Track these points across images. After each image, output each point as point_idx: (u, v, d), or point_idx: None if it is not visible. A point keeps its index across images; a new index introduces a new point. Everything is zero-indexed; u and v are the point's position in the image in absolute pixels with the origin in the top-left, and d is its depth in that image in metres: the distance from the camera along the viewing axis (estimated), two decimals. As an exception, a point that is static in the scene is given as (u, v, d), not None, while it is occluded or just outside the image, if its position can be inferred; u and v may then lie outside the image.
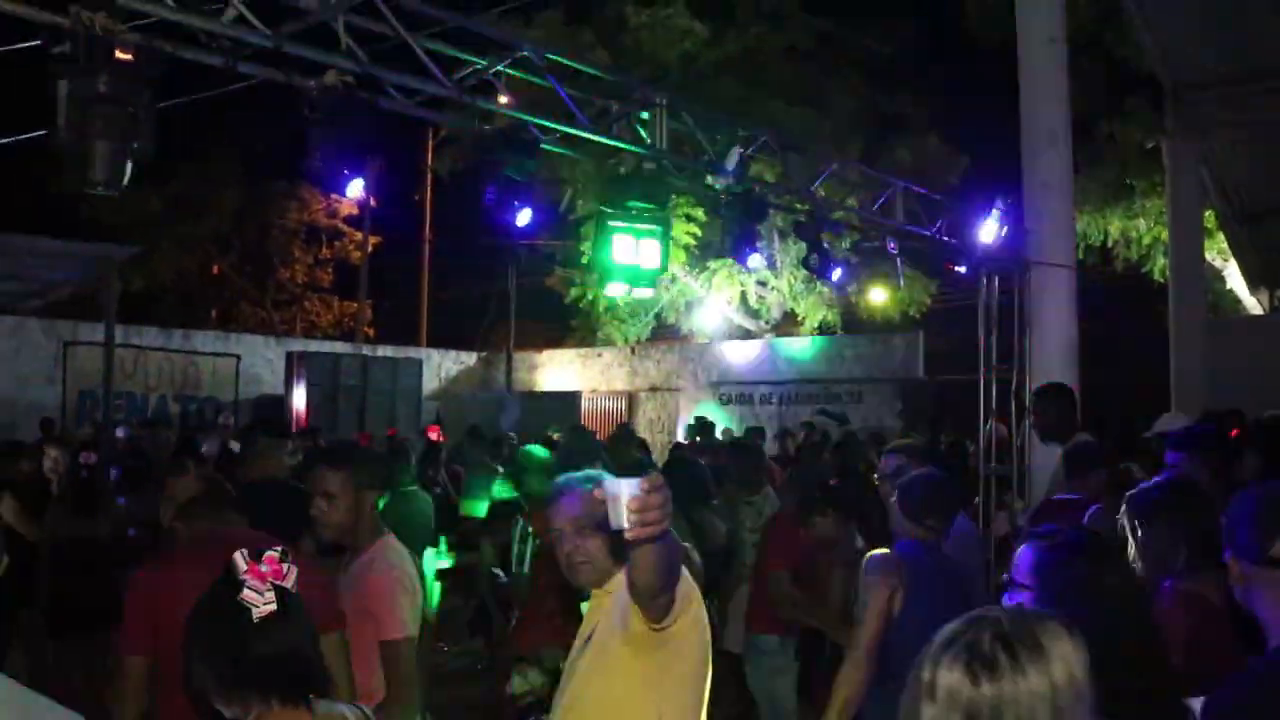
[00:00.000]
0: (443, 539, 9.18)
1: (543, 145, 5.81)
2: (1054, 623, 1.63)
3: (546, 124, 5.64)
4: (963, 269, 8.20)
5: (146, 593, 3.30)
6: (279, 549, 2.35)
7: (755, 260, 7.50)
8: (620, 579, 2.83)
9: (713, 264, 20.33)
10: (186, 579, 3.16)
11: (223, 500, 3.74)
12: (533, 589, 5.78)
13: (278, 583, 2.30)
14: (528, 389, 23.39)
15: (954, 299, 17.43)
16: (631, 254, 6.43)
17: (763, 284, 20.79)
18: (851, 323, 21.47)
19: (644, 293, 7.00)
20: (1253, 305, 16.46)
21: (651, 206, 6.37)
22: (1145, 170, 16.56)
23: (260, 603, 2.26)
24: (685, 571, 2.78)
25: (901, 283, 7.89)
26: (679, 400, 20.79)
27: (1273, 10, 10.44)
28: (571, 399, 20.75)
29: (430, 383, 22.94)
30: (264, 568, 2.30)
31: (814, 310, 20.67)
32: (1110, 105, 16.91)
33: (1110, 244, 18.55)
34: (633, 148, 6.06)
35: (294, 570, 2.35)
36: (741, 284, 20.74)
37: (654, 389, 21.49)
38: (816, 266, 7.89)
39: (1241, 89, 11.73)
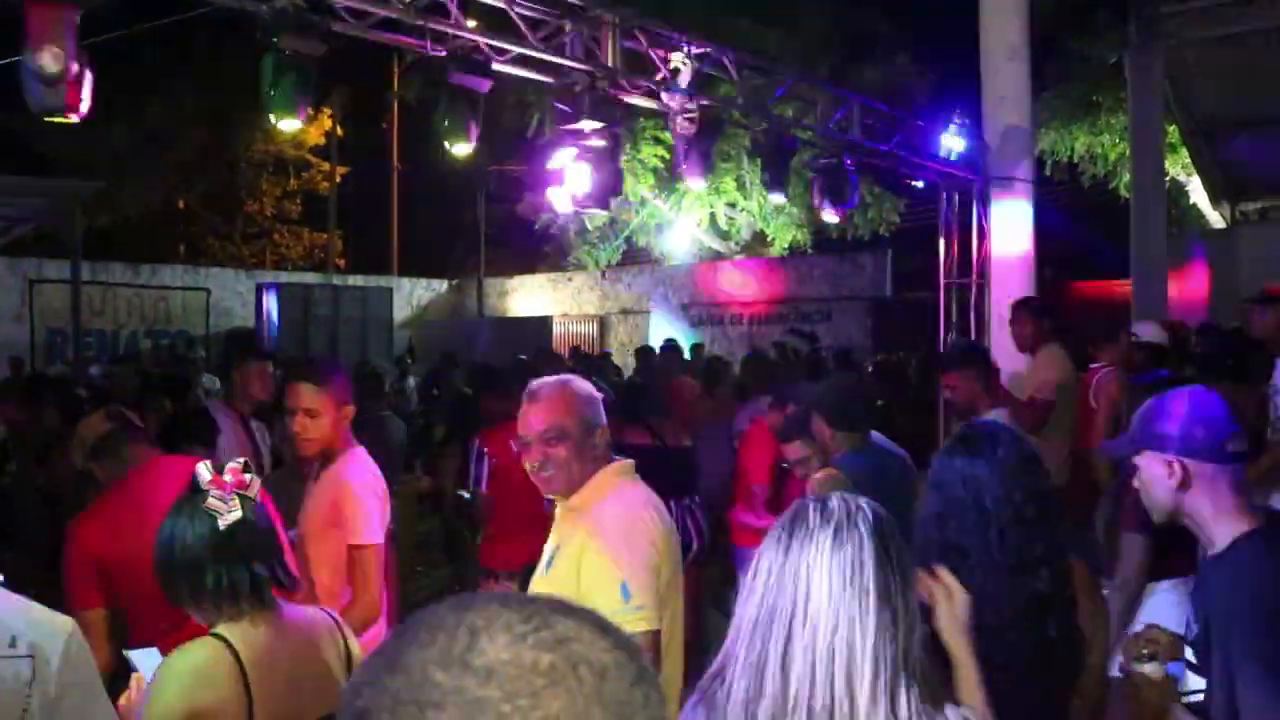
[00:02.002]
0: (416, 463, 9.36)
1: (496, 67, 5.83)
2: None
3: (498, 44, 5.64)
4: (920, 184, 8.28)
5: (83, 544, 3.35)
6: (241, 460, 2.44)
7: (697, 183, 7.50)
8: (587, 493, 2.93)
9: (682, 186, 20.30)
10: (126, 520, 3.23)
11: (134, 435, 3.70)
12: (494, 506, 5.93)
13: (242, 491, 2.39)
14: (499, 315, 23.45)
15: (923, 218, 17.53)
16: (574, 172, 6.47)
17: (732, 205, 20.80)
18: (821, 243, 21.53)
19: (595, 211, 7.04)
20: (1216, 219, 16.60)
21: (602, 125, 6.39)
22: (1111, 86, 16.53)
23: (225, 510, 2.35)
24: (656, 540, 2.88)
25: (855, 201, 7.90)
26: (650, 322, 20.90)
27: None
28: (543, 323, 20.84)
29: (402, 311, 22.97)
30: (227, 478, 2.40)
31: (783, 231, 20.70)
32: (1079, 21, 16.86)
33: (1077, 160, 18.60)
34: (584, 67, 6.08)
35: (256, 480, 2.44)
36: (711, 206, 20.74)
37: (625, 312, 21.59)
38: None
39: (1203, 3, 11.75)
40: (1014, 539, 2.63)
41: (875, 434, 4.46)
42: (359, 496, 3.67)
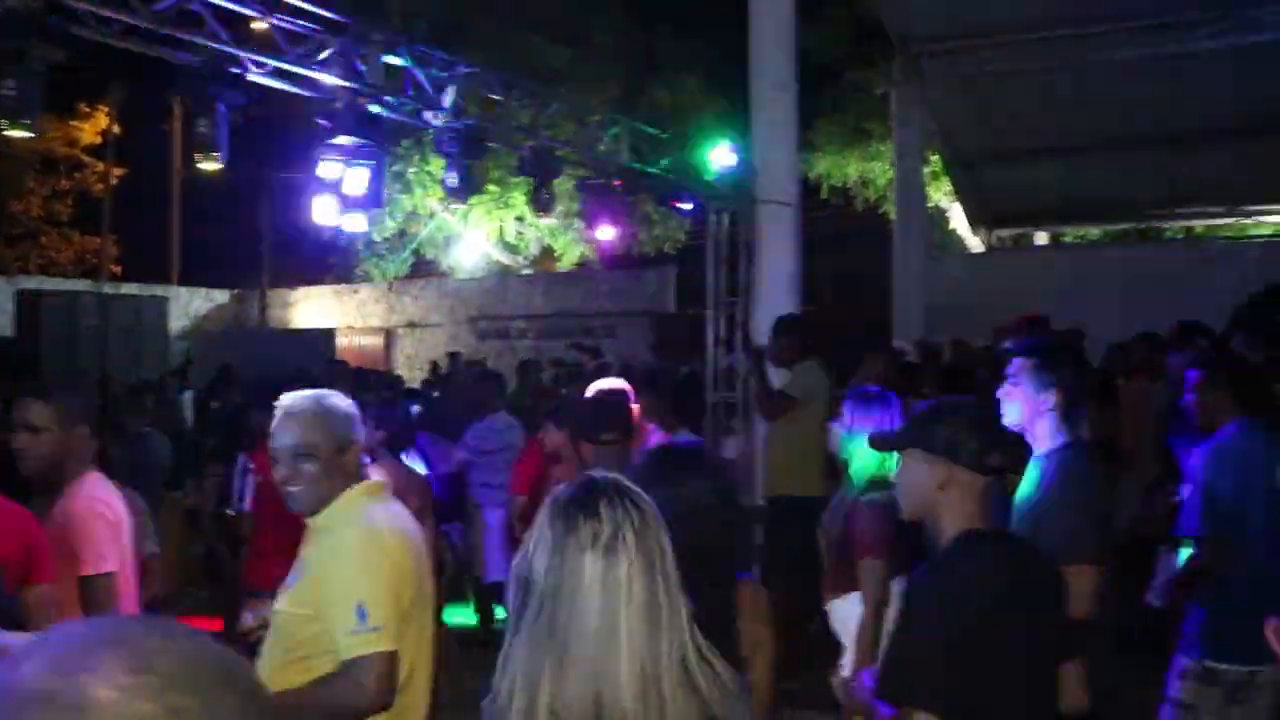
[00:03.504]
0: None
1: (253, 79, 5.75)
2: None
3: (255, 57, 5.58)
4: (688, 206, 8.57)
5: None
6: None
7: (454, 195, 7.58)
8: (333, 512, 2.91)
9: (471, 200, 20.26)
10: None
11: None
12: (259, 524, 5.83)
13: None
14: (282, 327, 22.85)
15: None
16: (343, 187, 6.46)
17: (521, 220, 20.90)
18: (609, 258, 21.86)
19: (355, 225, 7.02)
20: (975, 244, 17.66)
21: (366, 141, 6.40)
22: (881, 116, 17.45)
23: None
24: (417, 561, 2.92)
25: (624, 222, 8.18)
26: (437, 336, 20.76)
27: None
28: (326, 336, 20.43)
29: (180, 321, 22.11)
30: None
31: (571, 246, 20.94)
32: (854, 53, 17.72)
33: (850, 185, 19.51)
34: (345, 83, 6.08)
35: None
36: (500, 220, 20.79)
37: (411, 325, 21.39)
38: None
39: (960, 45, 12.57)
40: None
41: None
42: (85, 524, 3.51)
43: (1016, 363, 3.82)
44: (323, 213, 6.89)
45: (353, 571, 2.80)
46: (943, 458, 2.69)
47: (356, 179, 6.31)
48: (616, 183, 7.99)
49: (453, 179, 7.05)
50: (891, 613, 3.85)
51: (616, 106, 18.75)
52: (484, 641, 7.10)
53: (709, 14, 21.22)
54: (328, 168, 6.47)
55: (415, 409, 7.90)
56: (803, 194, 17.30)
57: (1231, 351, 6.00)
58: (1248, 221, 16.59)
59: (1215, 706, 4.20)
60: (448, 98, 6.46)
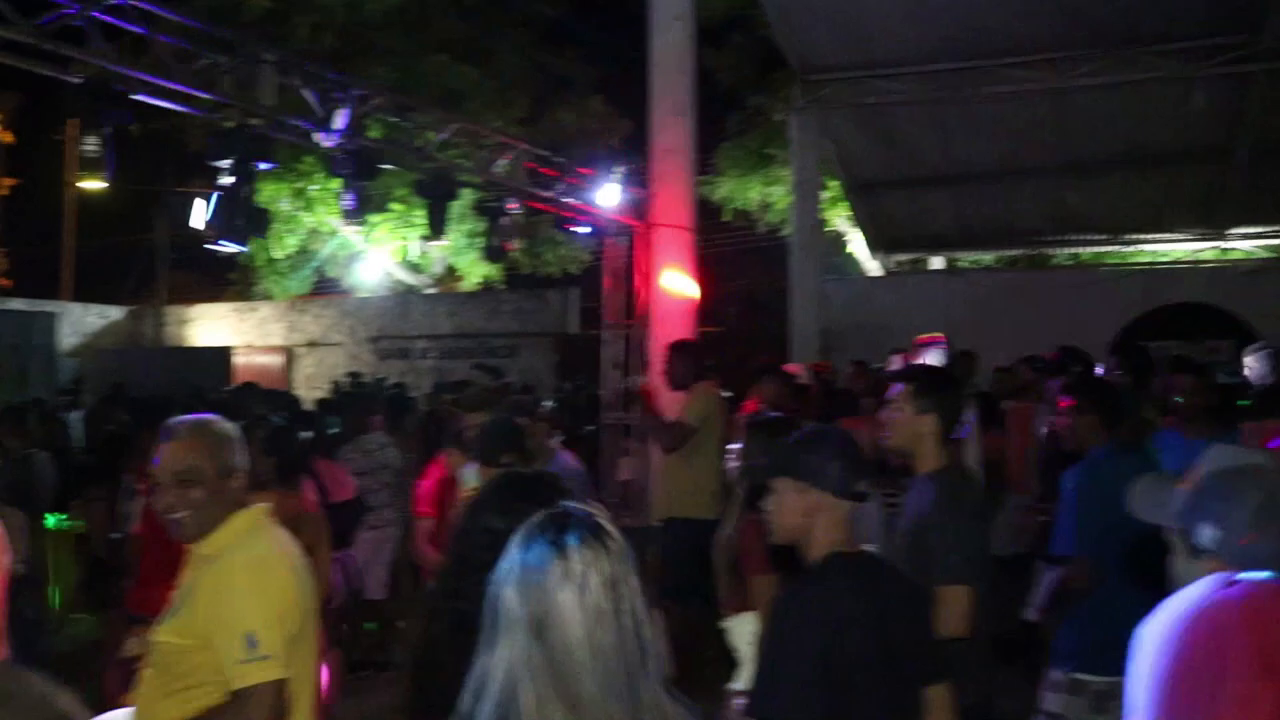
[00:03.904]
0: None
1: (140, 98, 5.68)
2: None
3: (139, 76, 5.51)
4: (584, 230, 8.64)
5: None
6: None
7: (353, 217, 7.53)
8: (219, 539, 2.86)
9: (374, 218, 20.11)
10: None
11: None
12: (146, 547, 5.71)
13: None
14: (179, 345, 22.39)
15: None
16: (227, 208, 6.38)
17: (425, 239, 20.78)
18: (512, 279, 21.86)
19: (233, 248, 6.93)
20: (874, 268, 18.02)
21: (252, 162, 6.32)
22: (784, 141, 17.76)
23: None
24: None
25: (515, 243, 8.24)
26: (338, 355, 20.52)
27: (881, 11, 11.56)
28: (222, 355, 20.08)
29: (71, 339, 21.53)
30: None
31: (475, 266, 20.88)
32: (758, 79, 18.02)
33: (753, 208, 19.77)
34: (234, 103, 6.04)
35: None
36: (404, 239, 20.65)
37: (312, 344, 21.10)
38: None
39: (856, 74, 12.85)
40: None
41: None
42: None
43: (896, 389, 3.94)
44: (203, 232, 6.78)
45: (241, 600, 2.78)
46: (810, 485, 2.81)
47: (240, 202, 6.24)
48: (512, 206, 8.02)
49: (348, 201, 7.01)
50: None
51: (521, 128, 18.85)
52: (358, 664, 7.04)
53: (614, 37, 21.45)
54: (216, 188, 6.37)
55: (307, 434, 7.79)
56: (707, 217, 17.63)
57: (1101, 377, 6.23)
58: (1128, 250, 17.20)
59: (1082, 716, 4.36)
60: (339, 119, 6.44)
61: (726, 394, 7.56)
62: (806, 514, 2.82)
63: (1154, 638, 1.57)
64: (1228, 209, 15.11)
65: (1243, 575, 1.51)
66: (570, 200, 8.44)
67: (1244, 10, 10.86)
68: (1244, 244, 16.35)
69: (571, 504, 1.91)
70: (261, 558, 2.88)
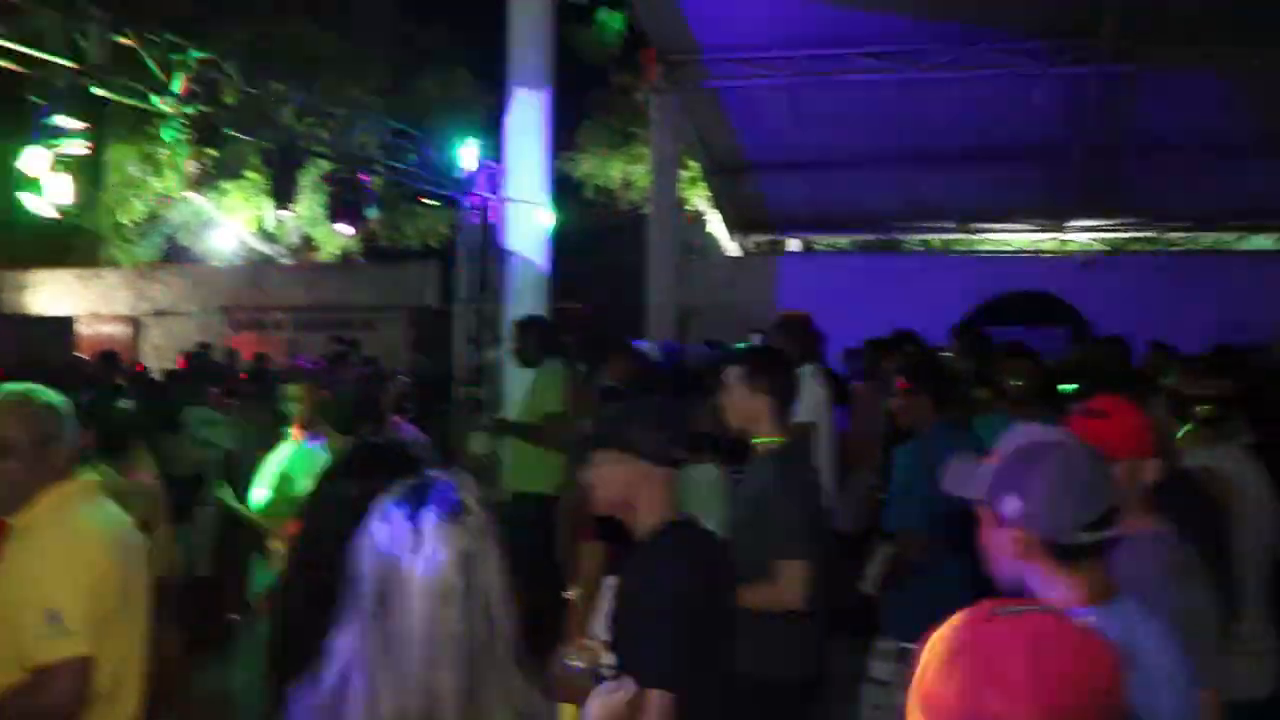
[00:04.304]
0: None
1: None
2: None
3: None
4: (435, 202, 8.57)
5: None
6: None
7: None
8: (35, 512, 2.80)
9: (227, 185, 19.56)
10: None
11: None
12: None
13: None
14: (16, 312, 21.42)
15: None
16: (48, 169, 6.13)
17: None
18: (372, 251, 21.51)
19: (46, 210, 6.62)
20: (733, 249, 18.28)
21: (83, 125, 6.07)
22: (645, 120, 17.85)
23: None
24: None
25: (369, 214, 8.12)
26: (188, 326, 19.93)
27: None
28: (64, 324, 19.30)
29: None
30: None
31: (332, 237, 20.50)
32: (622, 58, 18.05)
33: (614, 186, 19.85)
34: (65, 62, 5.79)
35: None
36: (259, 207, 20.14)
37: (161, 314, 20.44)
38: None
39: (715, 56, 13.00)
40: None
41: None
42: None
43: (730, 371, 4.04)
44: (33, 200, 6.48)
45: (48, 574, 2.73)
46: (633, 455, 2.87)
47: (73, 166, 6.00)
48: (364, 177, 7.89)
49: (192, 167, 6.80)
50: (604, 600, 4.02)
51: (381, 97, 18.54)
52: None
53: (478, 9, 21.18)
54: (37, 150, 6.09)
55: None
56: (568, 193, 17.61)
57: (934, 358, 6.45)
58: (975, 238, 17.81)
59: (908, 683, 4.54)
60: (177, 83, 6.23)
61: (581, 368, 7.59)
62: (628, 484, 2.88)
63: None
64: (1066, 203, 15.75)
65: (1017, 607, 1.42)
66: (427, 173, 8.35)
67: (1083, 15, 11.34)
68: (1080, 236, 17.07)
69: (434, 475, 1.86)
70: (75, 531, 2.83)
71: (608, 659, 2.97)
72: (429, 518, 1.77)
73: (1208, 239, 17.38)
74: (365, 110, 8.65)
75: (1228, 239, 17.28)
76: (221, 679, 6.03)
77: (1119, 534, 2.33)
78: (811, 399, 6.51)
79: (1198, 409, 4.30)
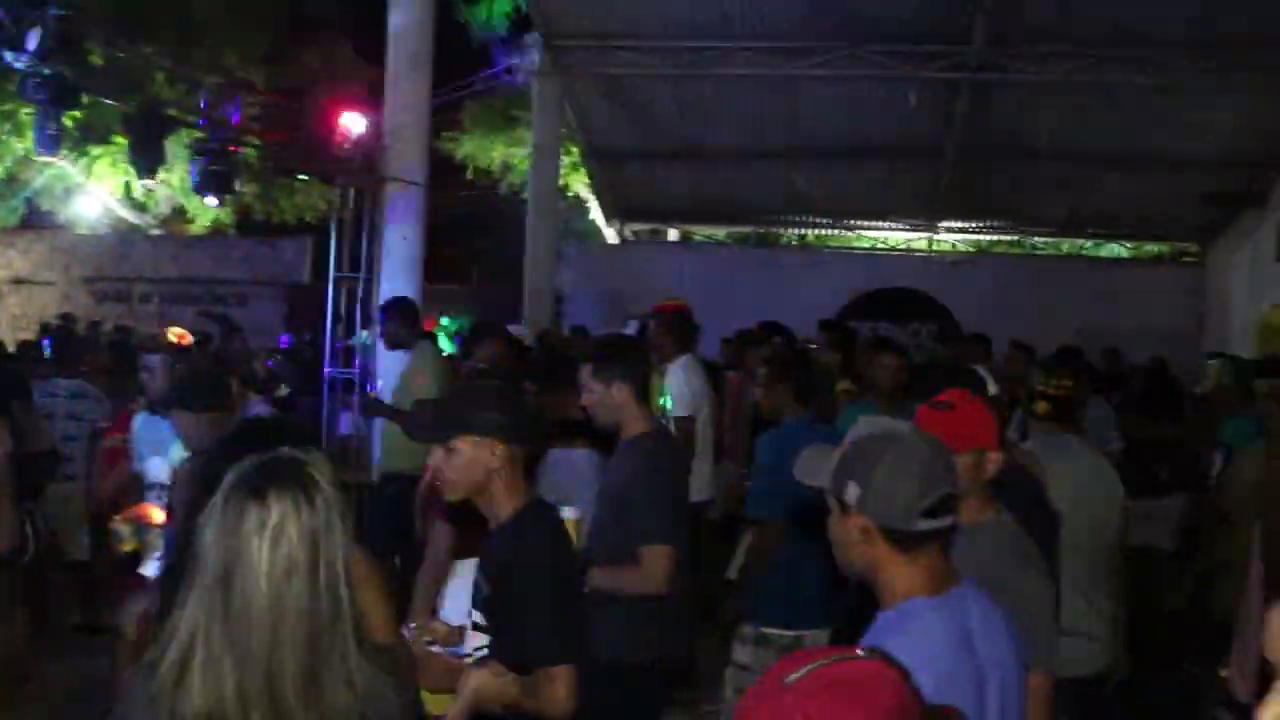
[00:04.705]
0: None
1: None
2: None
3: None
4: (304, 177, 8.43)
5: None
6: None
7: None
8: None
9: (94, 149, 18.81)
10: None
11: None
12: None
13: None
14: None
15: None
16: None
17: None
18: (246, 225, 20.95)
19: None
20: (612, 236, 18.33)
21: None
22: (528, 104, 17.75)
23: None
24: None
25: (239, 187, 7.97)
26: (49, 295, 19.21)
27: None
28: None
29: None
30: None
31: (207, 209, 19.89)
32: (508, 40, 17.85)
33: (495, 169, 19.66)
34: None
35: None
36: (127, 174, 19.41)
37: (19, 281, 19.64)
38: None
39: (602, 43, 13.03)
40: None
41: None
42: None
43: (588, 367, 4.05)
44: None
45: None
46: (494, 439, 2.87)
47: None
48: (234, 149, 7.71)
49: (51, 128, 6.56)
50: (458, 581, 4.05)
51: (261, 66, 18.08)
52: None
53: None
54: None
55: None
56: (448, 174, 17.42)
57: (796, 350, 6.58)
58: (851, 235, 18.20)
59: (768, 666, 4.65)
60: (33, 40, 5.98)
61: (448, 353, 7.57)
62: (486, 468, 2.88)
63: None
64: (938, 204, 16.20)
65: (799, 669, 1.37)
66: (304, 147, 8.20)
67: (957, 23, 11.68)
68: (951, 237, 17.57)
69: (285, 453, 1.86)
70: None
71: (476, 641, 3.00)
72: (274, 494, 1.77)
73: (1068, 245, 18.04)
74: (242, 80, 8.42)
75: (1087, 246, 17.95)
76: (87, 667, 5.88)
77: (960, 522, 2.44)
78: (688, 391, 6.61)
79: (1039, 404, 4.50)
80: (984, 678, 2.27)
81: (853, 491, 2.26)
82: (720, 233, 18.92)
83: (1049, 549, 3.47)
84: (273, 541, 1.74)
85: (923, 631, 2.19)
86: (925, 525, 2.23)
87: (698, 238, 19.02)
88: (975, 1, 11.28)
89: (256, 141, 8.53)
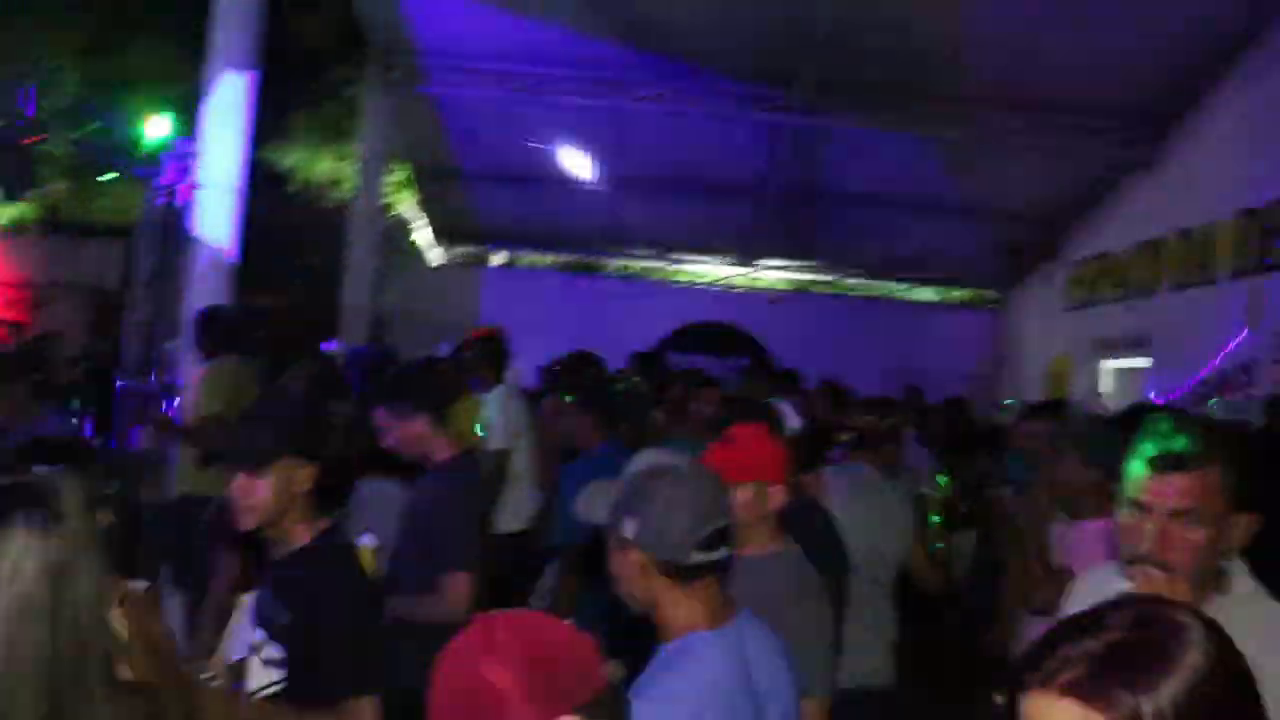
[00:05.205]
0: None
1: None
2: None
3: None
4: (112, 176, 8.12)
5: None
6: None
7: None
8: None
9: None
10: None
11: None
12: None
13: None
14: None
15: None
16: None
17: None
18: (53, 225, 19.86)
19: None
20: (436, 257, 18.15)
21: None
22: (358, 118, 17.42)
23: None
24: None
25: (47, 185, 7.63)
26: None
27: (463, 5, 11.70)
28: None
29: None
30: None
31: (9, 207, 18.83)
32: (341, 50, 17.48)
33: (320, 182, 19.22)
34: None
35: None
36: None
37: None
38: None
39: (431, 62, 12.93)
40: None
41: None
42: None
43: (380, 410, 4.02)
44: None
45: None
46: (299, 462, 2.83)
47: None
48: (28, 141, 7.34)
49: None
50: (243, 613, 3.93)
51: (79, 58, 17.25)
52: None
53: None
54: None
55: None
56: (271, 184, 16.90)
57: (602, 381, 6.65)
58: (673, 268, 18.47)
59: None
60: None
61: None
62: (296, 489, 2.84)
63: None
64: (760, 241, 16.59)
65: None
66: (111, 145, 7.87)
67: (782, 66, 12.02)
68: (770, 274, 18.01)
69: (27, 478, 1.73)
70: None
71: (271, 675, 2.90)
72: (15, 525, 1.63)
73: (881, 287, 18.73)
74: (51, 71, 8.01)
75: (899, 289, 18.66)
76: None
77: (738, 554, 2.50)
78: (501, 421, 6.58)
79: (842, 437, 4.68)
80: (762, 707, 2.33)
81: (630, 526, 2.30)
82: (545, 259, 18.95)
83: (838, 578, 3.60)
84: (8, 580, 1.60)
85: (702, 664, 2.24)
86: (700, 558, 2.28)
87: (522, 263, 19.00)
88: (800, 50, 11.62)
89: (72, 136, 8.13)
